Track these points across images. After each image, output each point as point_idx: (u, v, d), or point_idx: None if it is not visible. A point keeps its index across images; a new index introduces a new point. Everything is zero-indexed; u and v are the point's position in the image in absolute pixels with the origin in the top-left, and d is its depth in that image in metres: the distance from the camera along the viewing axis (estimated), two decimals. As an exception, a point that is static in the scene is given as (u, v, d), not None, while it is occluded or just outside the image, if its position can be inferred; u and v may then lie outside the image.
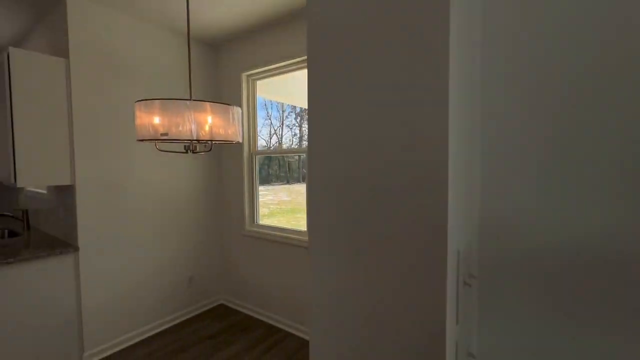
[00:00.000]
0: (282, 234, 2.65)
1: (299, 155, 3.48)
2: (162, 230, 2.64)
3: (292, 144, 3.20)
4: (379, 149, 0.78)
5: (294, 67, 2.57)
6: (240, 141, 1.67)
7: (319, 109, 0.91)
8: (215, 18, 2.43)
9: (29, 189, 2.98)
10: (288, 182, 3.40)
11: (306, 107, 3.58)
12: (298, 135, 3.71)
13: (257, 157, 2.94)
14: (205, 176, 2.98)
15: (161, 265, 2.64)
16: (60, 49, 2.18)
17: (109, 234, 2.31)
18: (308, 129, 0.93)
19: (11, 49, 1.88)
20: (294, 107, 3.56)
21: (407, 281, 0.74)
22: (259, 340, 2.46)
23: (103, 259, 2.27)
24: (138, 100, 1.50)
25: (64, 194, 2.27)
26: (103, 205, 2.27)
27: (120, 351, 2.33)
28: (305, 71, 2.55)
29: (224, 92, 2.98)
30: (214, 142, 1.58)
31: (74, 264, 2.14)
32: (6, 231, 2.81)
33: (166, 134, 1.38)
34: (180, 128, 1.45)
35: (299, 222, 3.03)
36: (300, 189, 3.88)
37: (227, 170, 3.05)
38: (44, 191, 2.62)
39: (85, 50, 2.16)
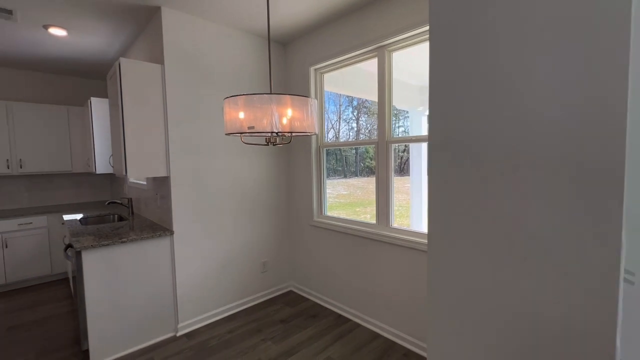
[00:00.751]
0: (350, 225, 2.66)
1: (356, 149, 3.46)
2: (239, 219, 2.85)
3: (348, 137, 3.17)
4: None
5: (361, 57, 2.53)
6: (317, 132, 1.71)
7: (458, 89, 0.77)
8: (287, 15, 2.51)
9: (131, 180, 3.47)
10: (345, 176, 3.39)
11: (367, 99, 3.52)
12: (355, 129, 3.68)
13: (325, 149, 2.99)
14: (276, 168, 3.14)
15: (239, 251, 2.86)
16: (157, 56, 2.47)
17: (196, 221, 2.57)
18: (431, 115, 0.84)
19: (122, 59, 2.19)
20: (351, 101, 3.53)
21: (568, 275, 0.64)
22: (328, 328, 2.53)
23: (192, 243, 2.55)
24: (227, 97, 1.62)
25: (161, 184, 2.59)
26: (191, 195, 2.54)
27: (206, 325, 2.59)
28: (370, 62, 2.52)
29: (293, 87, 3.08)
30: (293, 134, 1.64)
31: (170, 246, 2.44)
32: (116, 216, 3.33)
33: (252, 127, 1.48)
34: (264, 121, 1.53)
35: (358, 215, 3.01)
36: (357, 182, 3.84)
37: (296, 162, 3.16)
38: (144, 182, 3.03)
39: (176, 55, 2.41)
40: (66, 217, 3.15)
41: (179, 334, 2.46)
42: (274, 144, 1.69)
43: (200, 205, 2.59)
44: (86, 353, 2.21)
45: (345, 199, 3.47)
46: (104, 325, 2.14)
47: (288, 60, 3.12)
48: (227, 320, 2.67)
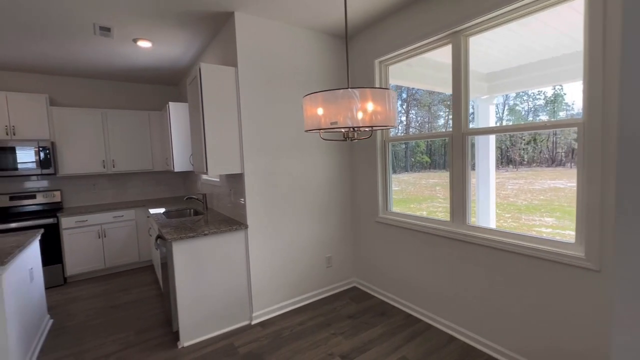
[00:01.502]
0: (420, 222, 2.55)
1: (405, 144, 3.31)
2: (305, 214, 2.91)
3: (397, 132, 3.02)
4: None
5: (431, 46, 2.40)
6: (396, 125, 1.65)
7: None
8: (355, 8, 2.47)
9: (204, 177, 3.75)
10: (395, 172, 3.26)
11: (431, 90, 3.32)
12: (404, 123, 3.51)
13: (390, 144, 2.91)
14: (339, 165, 3.14)
15: (305, 245, 2.92)
16: (230, 59, 2.61)
17: (267, 216, 2.68)
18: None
19: (201, 64, 2.35)
20: (400, 94, 3.37)
21: None
22: (399, 327, 2.47)
23: (263, 236, 2.66)
24: (306, 95, 1.64)
25: (234, 181, 2.74)
26: (262, 190, 2.65)
27: (277, 316, 2.70)
28: (440, 50, 2.37)
29: (357, 81, 3.04)
30: (373, 129, 1.60)
31: (244, 239, 2.58)
32: (192, 210, 3.62)
33: (335, 123, 1.47)
34: (344, 116, 1.52)
35: (414, 212, 2.87)
36: (408, 178, 3.68)
37: (359, 158, 3.12)
38: (217, 179, 3.24)
39: (248, 57, 2.52)
40: (152, 211, 3.51)
41: (253, 322, 2.60)
42: (352, 139, 1.67)
43: (271, 200, 2.69)
44: (176, 334, 2.44)
45: (397, 195, 3.35)
46: (191, 310, 2.34)
47: (351, 54, 3.09)
48: (295, 313, 2.76)
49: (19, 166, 3.52)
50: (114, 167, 4.12)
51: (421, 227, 2.52)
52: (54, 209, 3.88)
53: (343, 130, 1.66)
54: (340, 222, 3.17)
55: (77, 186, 4.18)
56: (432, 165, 3.45)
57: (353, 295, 3.06)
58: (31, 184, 3.90)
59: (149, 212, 3.58)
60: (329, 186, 3.07)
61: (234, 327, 2.54)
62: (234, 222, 2.66)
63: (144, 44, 3.00)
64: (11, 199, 3.71)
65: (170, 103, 3.73)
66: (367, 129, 1.62)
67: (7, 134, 3.51)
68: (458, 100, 2.25)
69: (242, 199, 2.62)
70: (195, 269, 2.35)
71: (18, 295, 2.09)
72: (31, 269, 2.42)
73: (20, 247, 2.12)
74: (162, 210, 3.55)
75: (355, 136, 1.71)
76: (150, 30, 2.75)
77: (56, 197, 3.95)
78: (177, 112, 3.79)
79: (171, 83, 4.66)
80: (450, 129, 2.32)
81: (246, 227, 2.56)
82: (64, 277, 3.68)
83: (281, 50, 2.69)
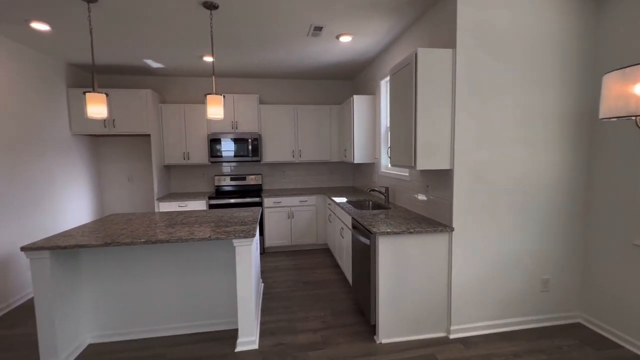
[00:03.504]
0: None
1: None
2: (520, 222, 2.38)
3: None
4: None
5: None
6: None
7: None
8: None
9: (383, 170, 3.69)
10: None
11: None
12: None
13: (677, 136, 1.99)
14: (575, 162, 2.42)
15: (517, 259, 2.41)
16: (439, 41, 2.33)
17: (475, 220, 2.32)
18: None
19: (419, 49, 2.17)
20: None
21: None
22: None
23: (468, 242, 2.32)
24: (608, 72, 1.18)
25: (435, 177, 2.49)
26: (472, 191, 2.30)
27: (480, 336, 2.34)
28: None
29: (622, 52, 2.22)
30: None
31: (447, 242, 2.31)
32: (370, 202, 3.63)
33: None
34: None
35: None
36: None
37: (604, 156, 2.31)
38: (405, 173, 3.09)
39: (467, 36, 2.18)
40: (336, 199, 3.72)
41: (451, 336, 2.33)
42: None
43: (481, 202, 2.31)
44: (373, 328, 2.45)
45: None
46: (389, 308, 2.27)
47: (614, 19, 2.28)
48: (502, 338, 2.31)
49: (238, 154, 4.39)
50: (300, 157, 4.63)
51: None
52: (257, 190, 4.71)
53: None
54: (565, 238, 2.46)
55: (272, 172, 4.93)
56: None
57: (581, 335, 2.34)
58: (243, 169, 4.85)
59: (331, 199, 3.82)
60: (555, 190, 2.41)
61: (430, 336, 2.34)
62: (435, 222, 2.42)
63: (345, 38, 3.10)
64: (231, 179, 4.70)
65: (354, 96, 3.82)
66: None
67: (232, 128, 4.42)
68: None
69: (446, 198, 2.34)
70: (397, 266, 2.25)
71: (254, 260, 2.52)
72: (256, 238, 2.91)
73: (255, 220, 2.53)
74: (343, 199, 3.72)
75: None
76: (356, 24, 2.78)
77: (258, 180, 4.77)
78: (360, 105, 3.86)
79: (347, 77, 4.83)
80: None
81: (451, 229, 2.27)
82: (263, 248, 4.42)
83: (507, 22, 2.22)
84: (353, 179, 5.11)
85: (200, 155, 4.39)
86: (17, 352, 2.26)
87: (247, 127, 4.46)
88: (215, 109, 2.45)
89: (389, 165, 3.21)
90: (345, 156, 4.31)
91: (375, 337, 2.33)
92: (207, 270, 2.47)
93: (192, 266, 2.46)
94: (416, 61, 2.18)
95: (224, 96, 2.54)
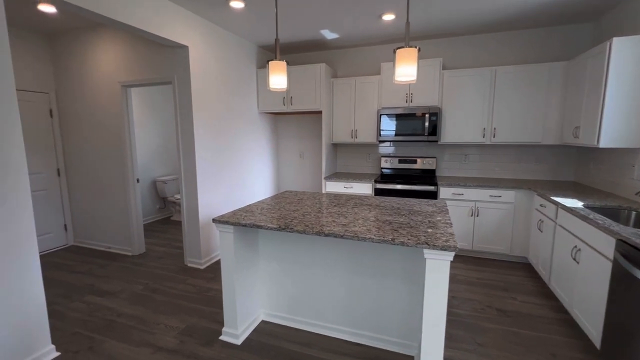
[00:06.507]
0: None
1: None
2: None
3: None
4: None
5: None
6: None
7: None
8: None
9: (670, 161, 2.16)
10: None
11: None
12: None
13: None
14: None
15: None
16: None
17: None
18: None
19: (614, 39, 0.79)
20: None
21: None
22: None
23: None
24: None
25: None
26: None
27: None
28: None
29: None
30: None
31: None
32: (633, 213, 2.22)
33: None
34: None
35: None
36: None
37: None
38: None
39: None
40: (561, 200, 2.50)
41: None
42: None
43: None
44: None
45: None
46: None
47: None
48: None
49: (411, 132, 3.70)
50: (494, 137, 3.49)
51: None
52: (428, 176, 3.93)
53: None
54: None
55: (450, 155, 4.00)
56: None
57: None
58: (414, 150, 4.15)
59: (549, 199, 2.60)
60: None
61: None
62: None
63: None
64: (399, 161, 4.10)
65: (614, 39, 2.37)
66: None
67: (406, 102, 3.76)
68: None
69: None
70: None
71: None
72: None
73: (450, 224, 1.82)
74: (575, 202, 2.45)
75: None
76: None
77: (431, 164, 3.97)
78: (622, 53, 2.38)
79: (584, 17, 3.19)
80: None
81: None
82: (433, 246, 3.66)
83: None
84: (577, 172, 3.51)
85: (367, 133, 3.98)
86: (210, 307, 2.51)
87: (423, 99, 3.68)
88: (407, 68, 1.83)
89: None
90: (577, 137, 2.88)
91: None
92: (379, 273, 2.00)
93: (362, 265, 2.03)
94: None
95: (418, 49, 1.88)
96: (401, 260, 1.93)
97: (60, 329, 2.25)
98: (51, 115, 3.78)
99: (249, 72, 4.00)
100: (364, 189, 3.79)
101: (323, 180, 3.95)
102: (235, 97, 3.75)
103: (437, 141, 3.65)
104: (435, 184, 3.50)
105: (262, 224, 1.83)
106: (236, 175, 3.82)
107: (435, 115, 3.58)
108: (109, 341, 2.11)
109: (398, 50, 1.86)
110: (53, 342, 2.09)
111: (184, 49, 3.02)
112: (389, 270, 1.97)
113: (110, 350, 2.02)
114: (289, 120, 4.72)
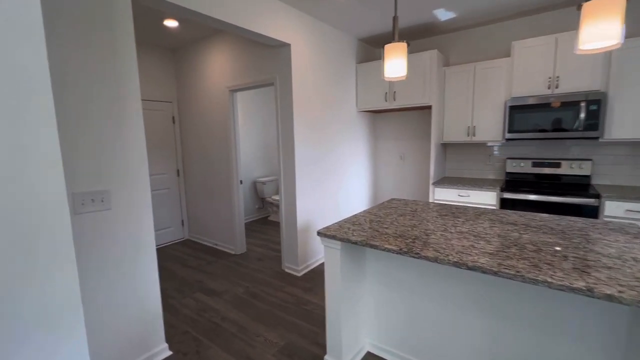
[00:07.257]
0: None
1: None
2: None
3: None
4: None
5: None
6: None
7: None
8: None
9: None
10: None
11: None
12: None
13: None
14: None
15: None
16: None
17: None
18: None
19: None
20: None
21: None
22: None
23: None
24: None
25: None
26: None
27: None
28: None
29: None
30: None
31: None
32: None
33: None
34: None
35: None
36: None
37: None
38: None
39: None
40: None
41: None
42: None
43: None
44: None
45: None
46: None
47: None
48: None
49: (557, 127, 2.84)
50: (703, 129, 2.38)
51: None
52: (579, 185, 2.98)
53: None
54: None
55: (614, 157, 2.96)
56: None
57: None
58: (557, 150, 3.22)
59: None
60: None
61: None
62: None
63: None
64: (534, 164, 3.24)
65: None
66: None
67: (548, 88, 2.91)
68: None
69: None
70: None
71: None
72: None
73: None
74: None
75: None
76: None
77: (584, 169, 3.00)
78: None
79: None
80: None
81: None
82: (589, 279, 2.73)
83: None
84: None
85: (490, 130, 3.26)
86: (310, 324, 2.29)
87: (576, 83, 2.78)
88: (603, 27, 1.22)
89: None
90: None
91: None
92: (540, 324, 1.42)
93: (512, 310, 1.49)
94: None
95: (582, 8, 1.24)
96: (573, 313, 1.32)
97: (173, 325, 2.34)
98: (174, 122, 4.23)
99: (348, 68, 3.72)
100: (486, 198, 3.09)
101: (431, 186, 3.40)
102: (334, 95, 3.52)
103: (597, 138, 2.71)
104: (597, 196, 2.58)
105: (377, 244, 1.48)
106: (333, 178, 3.59)
107: (596, 104, 2.65)
108: (214, 348, 2.08)
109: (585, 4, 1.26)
110: (166, 340, 2.16)
111: (286, 47, 2.91)
112: (554, 322, 1.38)
113: (215, 359, 1.97)
114: (388, 118, 4.28)
